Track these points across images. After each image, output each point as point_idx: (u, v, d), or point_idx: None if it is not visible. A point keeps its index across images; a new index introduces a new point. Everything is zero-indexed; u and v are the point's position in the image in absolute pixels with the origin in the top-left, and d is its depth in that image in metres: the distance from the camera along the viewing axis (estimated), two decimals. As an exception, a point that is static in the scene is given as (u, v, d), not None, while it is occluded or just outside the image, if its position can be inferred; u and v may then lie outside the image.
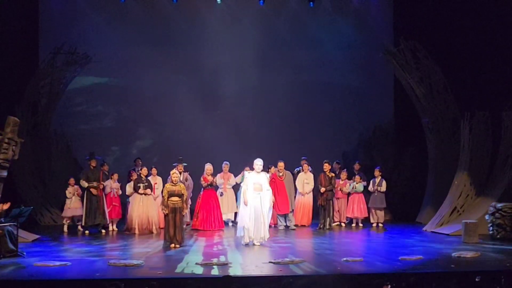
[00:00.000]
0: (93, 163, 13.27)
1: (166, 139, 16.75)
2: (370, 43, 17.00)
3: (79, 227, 13.46)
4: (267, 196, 11.22)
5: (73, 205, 13.53)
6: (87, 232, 12.96)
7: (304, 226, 14.16)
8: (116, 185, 13.65)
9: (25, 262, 9.15)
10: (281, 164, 13.86)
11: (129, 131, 16.88)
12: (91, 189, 13.00)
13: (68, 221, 13.61)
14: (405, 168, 16.39)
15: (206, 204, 13.54)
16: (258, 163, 11.32)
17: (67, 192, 13.60)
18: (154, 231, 13.03)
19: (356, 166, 14.81)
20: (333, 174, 13.87)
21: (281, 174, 13.84)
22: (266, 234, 11.09)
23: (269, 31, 17.33)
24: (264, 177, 11.36)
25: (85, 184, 13.06)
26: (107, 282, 7.55)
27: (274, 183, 13.65)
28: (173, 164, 13.68)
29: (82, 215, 13.45)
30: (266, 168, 13.70)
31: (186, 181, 13.53)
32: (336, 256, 9.54)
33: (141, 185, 13.20)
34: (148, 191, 13.19)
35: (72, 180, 13.64)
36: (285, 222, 13.82)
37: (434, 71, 14.88)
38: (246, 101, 17.20)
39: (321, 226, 13.57)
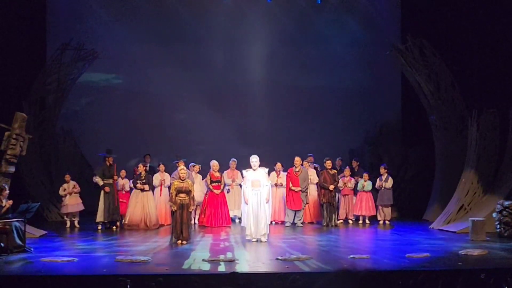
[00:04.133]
0: (110, 160, 13.15)
1: (173, 136, 16.74)
2: (377, 40, 16.91)
3: (75, 223, 13.48)
4: (265, 191, 11.17)
5: (69, 202, 13.45)
6: (99, 228, 12.91)
7: (310, 223, 14.15)
8: (125, 181, 13.66)
9: (33, 258, 9.21)
10: (297, 159, 13.72)
11: (136, 128, 16.86)
12: (106, 187, 12.91)
13: (67, 218, 13.61)
14: (412, 165, 16.35)
15: (214, 201, 13.56)
16: (254, 160, 11.21)
17: (60, 189, 13.54)
18: (152, 227, 13.00)
19: (354, 163, 14.80)
20: (335, 171, 13.84)
21: (297, 169, 13.77)
22: (266, 230, 11.06)
23: (276, 28, 17.28)
24: (263, 173, 11.30)
25: (100, 180, 12.96)
26: (114, 278, 7.56)
27: (289, 178, 13.68)
28: (173, 162, 13.71)
29: (78, 212, 13.51)
30: (273, 166, 13.76)
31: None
32: (343, 253, 9.54)
33: (139, 181, 13.21)
34: (146, 187, 13.19)
35: (67, 177, 13.59)
36: (294, 219, 13.80)
37: (441, 69, 14.80)
38: (253, 98, 17.16)
39: (327, 224, 13.52)
